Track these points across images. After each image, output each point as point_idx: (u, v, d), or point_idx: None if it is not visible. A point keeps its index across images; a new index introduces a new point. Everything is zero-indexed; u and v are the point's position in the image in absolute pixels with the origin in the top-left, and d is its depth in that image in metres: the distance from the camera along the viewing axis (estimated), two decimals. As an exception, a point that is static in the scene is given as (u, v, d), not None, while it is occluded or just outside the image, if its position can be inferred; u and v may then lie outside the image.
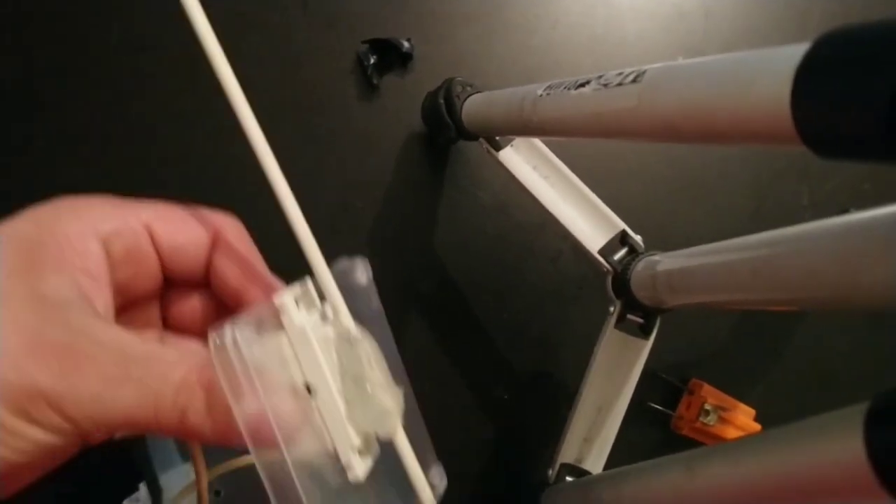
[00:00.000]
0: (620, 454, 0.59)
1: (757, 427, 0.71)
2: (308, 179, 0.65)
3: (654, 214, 0.73)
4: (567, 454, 0.59)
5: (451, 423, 0.66)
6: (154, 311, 0.31)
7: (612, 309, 0.58)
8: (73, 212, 0.27)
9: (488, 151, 0.60)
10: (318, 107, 0.67)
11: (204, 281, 0.30)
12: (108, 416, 0.24)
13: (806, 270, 0.37)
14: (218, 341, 0.25)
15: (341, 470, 0.27)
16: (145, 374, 0.24)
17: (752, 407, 0.71)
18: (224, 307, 0.30)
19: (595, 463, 0.59)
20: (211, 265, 0.30)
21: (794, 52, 0.26)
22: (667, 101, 0.34)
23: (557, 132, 0.50)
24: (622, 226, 0.60)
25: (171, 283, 0.30)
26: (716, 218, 0.75)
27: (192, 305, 0.31)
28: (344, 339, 0.28)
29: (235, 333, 0.25)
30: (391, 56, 0.68)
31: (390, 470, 0.30)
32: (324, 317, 0.29)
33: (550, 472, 0.58)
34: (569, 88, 0.44)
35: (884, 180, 0.79)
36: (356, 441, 0.27)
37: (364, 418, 0.28)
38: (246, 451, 0.27)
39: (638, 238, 0.60)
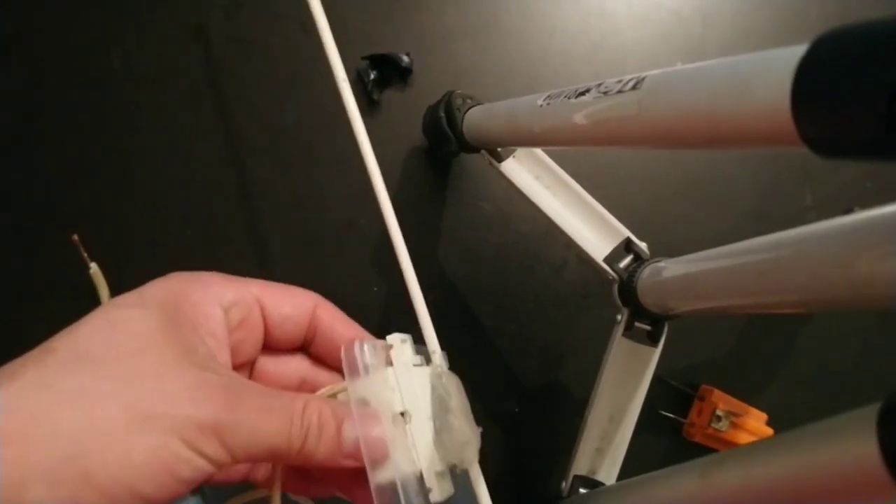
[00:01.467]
0: (633, 463, 0.59)
1: (770, 431, 0.70)
2: (312, 198, 0.65)
3: (658, 220, 0.73)
4: (580, 466, 0.58)
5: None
6: (246, 374, 0.35)
7: (619, 317, 0.58)
8: (199, 283, 0.31)
9: (490, 163, 0.60)
10: (320, 125, 0.67)
11: (298, 348, 0.36)
12: (257, 443, 0.27)
13: (812, 271, 0.37)
14: (351, 352, 0.31)
15: (425, 492, 0.30)
16: (281, 404, 0.28)
17: (764, 411, 0.71)
18: (313, 369, 0.36)
19: (608, 473, 0.59)
20: (317, 332, 0.35)
21: (793, 54, 0.26)
22: (667, 106, 0.34)
23: (559, 142, 0.50)
24: (626, 233, 0.60)
25: (270, 350, 0.35)
26: (720, 222, 0.75)
27: (282, 368, 0.36)
28: (437, 377, 0.33)
29: (365, 344, 0.31)
30: (391, 71, 0.68)
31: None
32: (419, 360, 0.34)
33: (564, 484, 0.58)
34: (569, 97, 0.44)
35: (886, 179, 0.79)
36: (440, 467, 0.31)
37: (448, 447, 0.32)
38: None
39: (643, 245, 0.60)
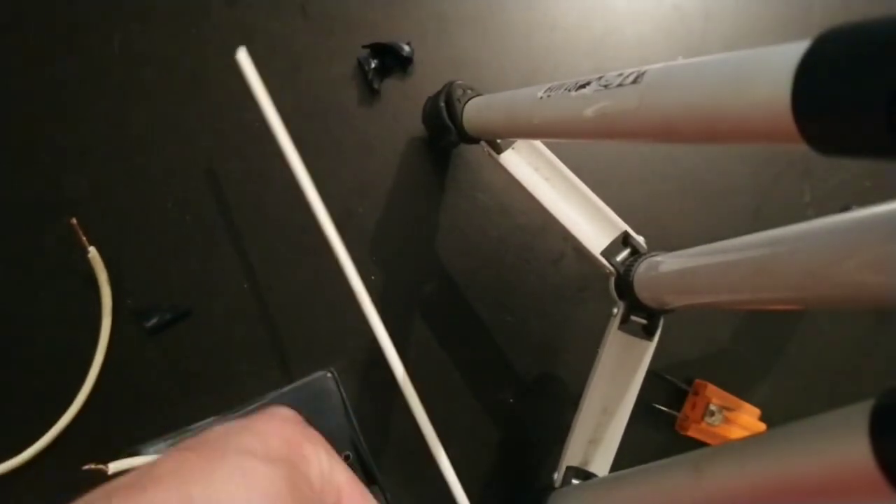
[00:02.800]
0: (626, 456, 0.59)
1: (762, 427, 0.71)
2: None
3: (656, 215, 0.73)
4: (572, 457, 0.59)
5: (456, 428, 0.66)
6: None
7: (615, 310, 0.58)
8: (309, 441, 0.32)
9: (490, 154, 0.60)
10: (320, 113, 0.67)
11: None
12: None
13: (809, 268, 0.37)
14: None
15: None
16: None
17: (758, 406, 0.71)
18: None
19: (601, 465, 0.59)
20: None
21: (795, 50, 0.26)
22: (667, 100, 0.34)
23: (559, 134, 0.50)
24: (624, 227, 0.60)
25: None
26: (718, 217, 0.75)
27: None
28: None
29: None
30: (391, 60, 0.68)
31: None
32: None
33: (556, 475, 0.58)
34: (569, 90, 0.44)
35: (885, 177, 0.79)
36: None
37: None
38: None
39: (640, 239, 0.60)
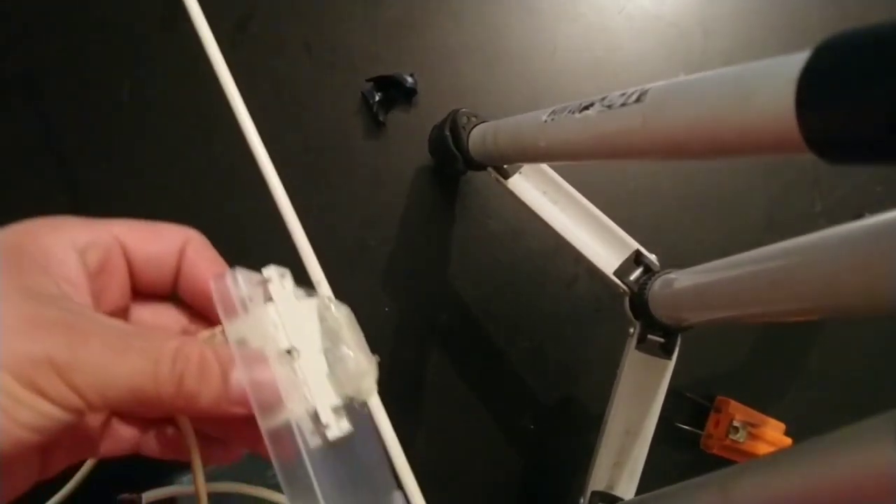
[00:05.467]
0: (651, 477, 0.58)
1: (788, 441, 0.70)
2: (322, 221, 0.66)
3: (667, 232, 0.73)
4: (597, 481, 0.58)
5: (478, 457, 0.65)
6: None
7: (631, 330, 0.58)
8: (50, 226, 0.28)
9: (497, 180, 0.60)
10: (327, 148, 0.67)
11: (171, 293, 0.32)
12: (113, 385, 0.24)
13: (825, 278, 0.37)
14: (221, 282, 0.28)
15: (322, 430, 0.28)
16: (145, 344, 0.25)
17: (782, 420, 0.70)
18: (192, 316, 0.32)
19: (626, 488, 0.58)
20: (180, 273, 0.31)
21: (796, 61, 0.26)
22: (671, 118, 0.34)
23: (565, 156, 0.50)
24: (636, 245, 0.60)
25: (140, 296, 0.31)
26: (730, 231, 0.75)
27: (160, 317, 0.32)
28: (324, 308, 0.30)
29: (237, 275, 0.28)
30: (395, 92, 0.69)
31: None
32: (302, 293, 0.31)
33: (582, 500, 0.58)
34: (573, 112, 0.44)
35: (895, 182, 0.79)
36: (336, 401, 0.29)
37: (343, 380, 0.29)
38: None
39: (653, 257, 0.60)
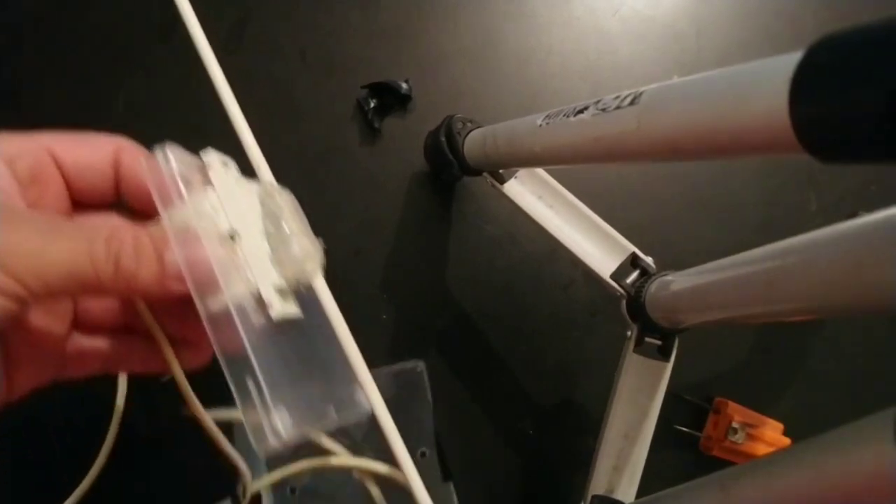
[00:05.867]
0: (651, 480, 0.58)
1: (787, 441, 0.70)
2: (317, 228, 0.65)
3: (663, 234, 0.73)
4: (597, 485, 0.58)
5: (477, 462, 0.65)
6: None
7: (629, 333, 0.58)
8: None
9: (493, 185, 0.60)
10: (323, 154, 0.67)
11: (114, 202, 0.32)
12: (50, 268, 0.24)
13: (821, 277, 0.37)
14: (153, 162, 0.27)
15: (265, 310, 0.28)
16: (76, 230, 0.25)
17: (780, 420, 0.70)
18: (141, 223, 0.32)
19: (626, 492, 0.58)
20: (121, 180, 0.31)
21: (789, 61, 0.26)
22: (666, 120, 0.34)
23: (560, 160, 0.50)
24: (632, 248, 0.60)
25: (82, 207, 0.31)
26: (725, 232, 0.75)
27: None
28: (266, 194, 0.30)
29: (168, 152, 0.27)
30: (390, 98, 0.69)
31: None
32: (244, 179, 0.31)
33: None
34: (568, 116, 0.44)
35: (890, 181, 0.79)
36: (278, 281, 0.28)
37: (286, 262, 0.29)
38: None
39: (649, 259, 0.60)
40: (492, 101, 0.72)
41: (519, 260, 0.70)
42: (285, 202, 0.30)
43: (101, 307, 0.31)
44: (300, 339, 0.29)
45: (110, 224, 0.27)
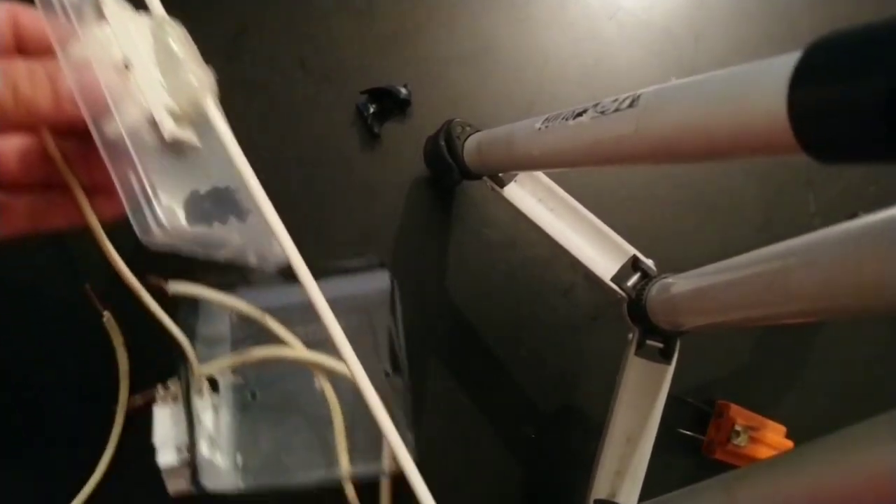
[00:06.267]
0: (654, 484, 0.58)
1: (789, 444, 0.70)
2: (318, 234, 0.65)
3: (663, 236, 0.73)
4: (600, 489, 0.58)
5: (479, 467, 0.65)
6: None
7: (630, 336, 0.58)
8: None
9: (493, 189, 0.60)
10: (323, 161, 0.67)
11: (12, 49, 0.32)
12: None
13: (821, 279, 0.37)
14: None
15: (158, 132, 0.29)
16: None
17: (782, 423, 0.70)
18: None
19: (629, 496, 0.58)
20: (23, 37, 0.31)
21: (787, 62, 0.26)
22: (664, 121, 0.34)
23: (559, 163, 0.50)
24: (633, 251, 0.60)
25: None
26: (725, 234, 0.75)
27: None
28: (158, 27, 0.31)
29: None
30: (390, 104, 0.69)
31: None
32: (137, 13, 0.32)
33: (584, 507, 0.57)
34: (567, 119, 0.44)
35: (889, 182, 0.79)
36: (170, 104, 0.30)
37: (179, 89, 0.30)
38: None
39: (650, 262, 0.60)
40: (491, 106, 0.72)
41: (519, 264, 0.70)
42: (176, 34, 0.32)
43: (18, 162, 0.32)
44: (200, 172, 0.31)
45: (5, 60, 0.29)
